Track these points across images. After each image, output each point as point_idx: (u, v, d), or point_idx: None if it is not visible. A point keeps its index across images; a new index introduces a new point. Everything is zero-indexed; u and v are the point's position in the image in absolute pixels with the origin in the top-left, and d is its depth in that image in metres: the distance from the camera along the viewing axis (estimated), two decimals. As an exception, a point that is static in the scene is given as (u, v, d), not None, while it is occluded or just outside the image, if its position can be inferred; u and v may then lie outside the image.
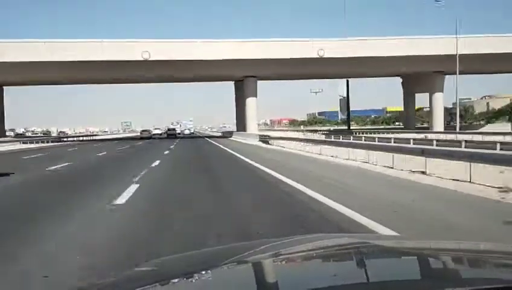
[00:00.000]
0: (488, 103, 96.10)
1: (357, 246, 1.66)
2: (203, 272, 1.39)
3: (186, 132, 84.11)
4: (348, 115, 67.71)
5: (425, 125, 63.42)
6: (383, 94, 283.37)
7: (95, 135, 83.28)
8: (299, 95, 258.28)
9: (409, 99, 58.51)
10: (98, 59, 42.35)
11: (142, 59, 43.57)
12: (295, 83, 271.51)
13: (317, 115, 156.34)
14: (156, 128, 77.69)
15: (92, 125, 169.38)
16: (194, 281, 1.34)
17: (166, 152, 24.88)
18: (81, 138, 65.98)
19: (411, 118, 59.12)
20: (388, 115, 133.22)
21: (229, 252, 1.75)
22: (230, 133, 55.76)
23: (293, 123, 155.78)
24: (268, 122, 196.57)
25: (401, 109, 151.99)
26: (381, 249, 1.61)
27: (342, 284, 1.19)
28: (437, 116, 52.25)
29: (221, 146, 30.77)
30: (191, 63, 44.58)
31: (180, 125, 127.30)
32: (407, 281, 1.19)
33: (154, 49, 43.85)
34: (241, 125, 53.83)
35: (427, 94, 53.32)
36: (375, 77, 63.85)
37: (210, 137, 59.72)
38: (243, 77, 48.69)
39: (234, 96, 57.94)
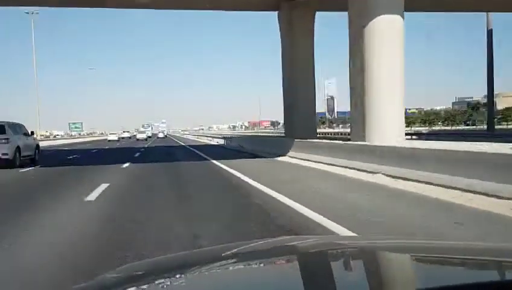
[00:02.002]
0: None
1: (336, 248, 1.68)
2: (177, 276, 1.37)
3: (160, 135, 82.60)
4: (492, 107, 42.24)
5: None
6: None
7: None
8: (270, 95, 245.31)
9: None
10: None
11: None
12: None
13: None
14: (125, 132, 76.09)
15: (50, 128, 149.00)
16: (165, 286, 1.30)
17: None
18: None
19: None
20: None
21: (199, 256, 1.73)
22: (280, 147, 20.57)
23: (275, 125, 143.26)
24: (247, 125, 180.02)
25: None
26: (357, 250, 1.64)
27: (320, 286, 1.22)
28: None
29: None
30: None
31: (152, 128, 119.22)
32: (384, 280, 1.24)
33: None
34: (302, 123, 22.83)
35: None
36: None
37: (209, 153, 23.71)
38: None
39: (281, 48, 24.46)
